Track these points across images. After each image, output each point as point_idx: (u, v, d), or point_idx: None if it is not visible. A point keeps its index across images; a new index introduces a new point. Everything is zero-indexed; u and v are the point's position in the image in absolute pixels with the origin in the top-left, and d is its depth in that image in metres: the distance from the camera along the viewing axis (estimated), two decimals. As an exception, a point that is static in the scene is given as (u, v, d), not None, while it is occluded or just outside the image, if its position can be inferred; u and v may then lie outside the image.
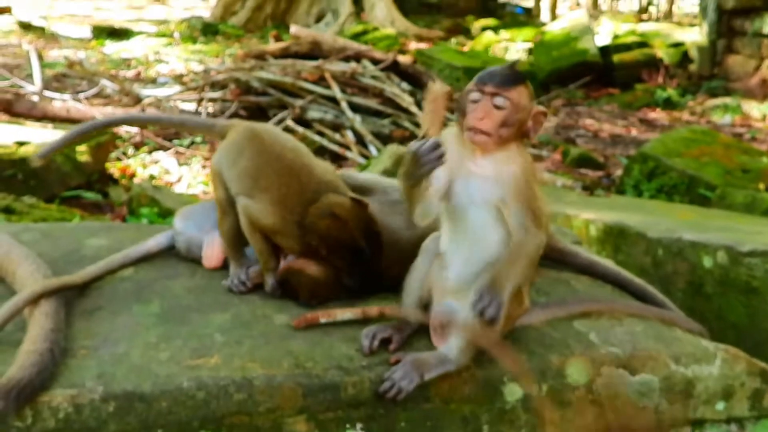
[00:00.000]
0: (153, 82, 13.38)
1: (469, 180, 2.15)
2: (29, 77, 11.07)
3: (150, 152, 8.70)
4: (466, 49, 17.87)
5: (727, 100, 12.88)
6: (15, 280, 2.54)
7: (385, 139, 8.97)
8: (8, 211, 5.32)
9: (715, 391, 2.41)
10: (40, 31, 20.31)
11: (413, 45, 18.78)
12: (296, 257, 2.51)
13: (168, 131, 9.22)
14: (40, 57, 11.35)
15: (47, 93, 10.47)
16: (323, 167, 2.64)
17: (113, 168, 7.76)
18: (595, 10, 29.72)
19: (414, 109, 9.32)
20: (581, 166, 9.14)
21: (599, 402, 2.30)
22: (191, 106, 10.43)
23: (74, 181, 6.73)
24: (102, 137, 7.46)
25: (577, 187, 7.66)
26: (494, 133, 2.10)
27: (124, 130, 9.13)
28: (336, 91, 9.45)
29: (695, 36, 16.27)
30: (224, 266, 2.71)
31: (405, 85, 9.86)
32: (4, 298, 2.36)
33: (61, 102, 10.13)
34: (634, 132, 11.56)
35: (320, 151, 8.32)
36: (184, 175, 8.05)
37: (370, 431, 2.13)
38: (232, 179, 2.61)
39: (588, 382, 2.29)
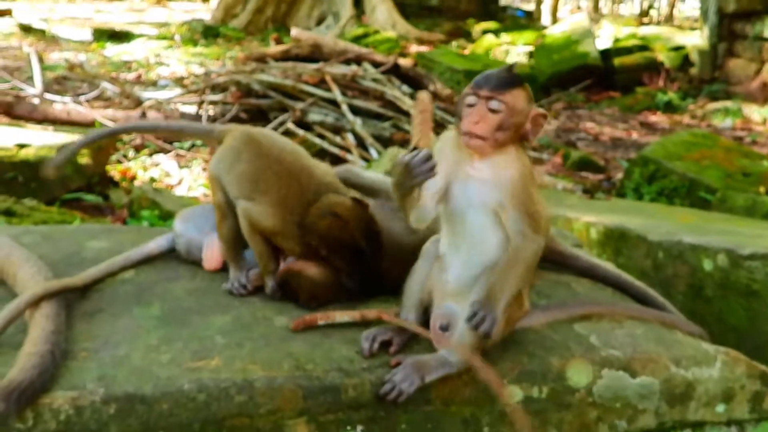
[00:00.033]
0: (154, 84, 13.39)
1: (468, 183, 2.16)
2: (30, 80, 11.07)
3: (150, 155, 8.71)
4: (466, 52, 17.89)
5: (728, 103, 12.89)
6: (16, 283, 2.54)
7: (385, 142, 8.96)
8: (9, 213, 5.33)
9: (715, 394, 2.41)
10: (40, 33, 20.31)
11: (414, 48, 18.78)
12: (296, 259, 2.51)
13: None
14: (41, 59, 11.36)
15: (48, 95, 10.47)
16: (322, 169, 2.65)
17: (114, 171, 7.76)
18: (596, 14, 29.77)
19: (413, 112, 9.31)
20: (582, 169, 9.14)
21: (599, 404, 2.30)
22: (192, 109, 10.43)
23: (75, 184, 6.73)
24: (102, 140, 7.46)
25: (577, 190, 7.66)
26: (490, 137, 2.10)
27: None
28: (337, 93, 9.45)
29: (696, 39, 16.30)
30: (224, 268, 2.71)
31: (406, 88, 9.86)
32: (5, 301, 2.37)
33: (62, 104, 10.14)
34: (634, 135, 11.56)
35: (321, 154, 8.32)
36: (185, 177, 8.05)
37: (371, 433, 2.13)
38: (230, 183, 2.61)
39: (588, 385, 2.29)
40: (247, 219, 2.53)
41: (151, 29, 22.08)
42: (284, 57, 10.64)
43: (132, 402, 2.00)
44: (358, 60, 10.30)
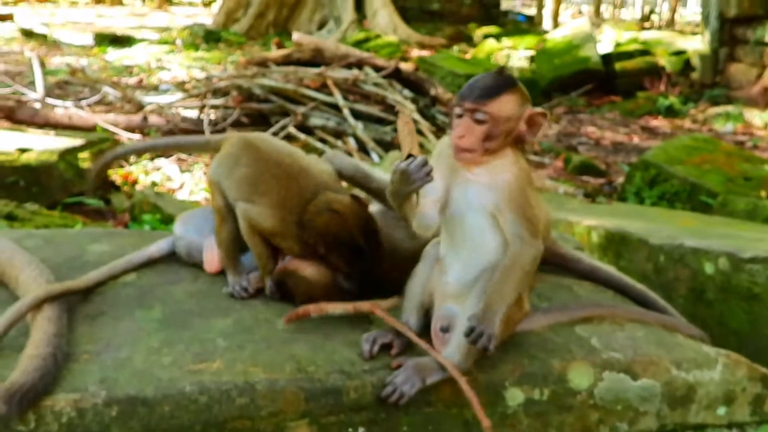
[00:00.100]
0: (155, 89, 13.42)
1: (467, 187, 2.16)
2: (31, 84, 11.09)
3: (152, 159, 8.71)
4: (468, 56, 17.92)
5: (729, 108, 12.90)
6: (18, 286, 2.55)
7: (386, 146, 8.98)
8: (11, 217, 5.33)
9: (716, 397, 2.41)
10: (42, 38, 20.36)
11: (415, 52, 18.81)
12: (293, 258, 2.50)
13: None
14: (43, 64, 11.38)
15: (49, 100, 10.50)
16: (320, 169, 2.64)
17: (115, 175, 7.77)
18: (597, 18, 29.80)
19: (416, 116, 9.32)
20: (583, 173, 9.15)
21: (600, 407, 2.30)
22: (193, 114, 10.45)
23: (76, 188, 6.74)
24: (104, 144, 7.48)
25: (579, 195, 7.66)
26: (478, 149, 2.09)
27: (126, 136, 9.16)
28: (338, 98, 9.47)
29: (697, 44, 16.32)
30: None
31: (407, 92, 9.88)
32: (7, 304, 2.37)
33: (63, 109, 10.16)
34: (635, 139, 11.57)
35: (322, 158, 8.31)
36: (186, 181, 8.05)
37: (372, 436, 2.13)
38: (230, 187, 2.62)
39: (590, 387, 2.29)
40: (247, 220, 2.53)
41: (152, 34, 22.11)
42: (286, 61, 10.66)
43: (134, 404, 2.00)
44: (359, 64, 10.32)
